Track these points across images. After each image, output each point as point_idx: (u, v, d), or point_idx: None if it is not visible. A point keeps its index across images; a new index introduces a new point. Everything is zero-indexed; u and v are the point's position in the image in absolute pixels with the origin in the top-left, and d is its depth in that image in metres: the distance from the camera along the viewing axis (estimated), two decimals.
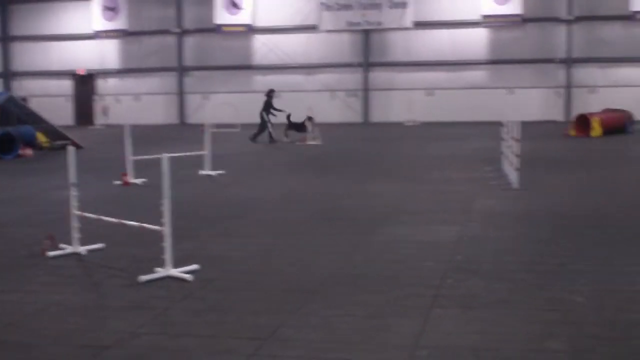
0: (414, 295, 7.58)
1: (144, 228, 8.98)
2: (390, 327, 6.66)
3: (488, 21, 40.14)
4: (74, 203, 9.86)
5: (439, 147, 25.40)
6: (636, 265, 8.63)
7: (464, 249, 9.64)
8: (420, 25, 40.91)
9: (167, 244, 8.46)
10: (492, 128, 27.24)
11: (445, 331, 6.54)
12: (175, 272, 8.42)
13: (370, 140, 29.52)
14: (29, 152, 24.69)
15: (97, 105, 45.37)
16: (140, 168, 16.82)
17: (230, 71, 43.45)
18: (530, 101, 39.69)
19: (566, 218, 11.80)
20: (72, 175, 9.89)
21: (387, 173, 18.12)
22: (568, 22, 39.64)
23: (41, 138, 26.64)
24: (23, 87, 46.64)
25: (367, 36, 42.01)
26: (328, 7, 41.41)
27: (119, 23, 44.41)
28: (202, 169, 18.34)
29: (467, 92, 40.23)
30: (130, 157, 16.93)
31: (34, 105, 33.50)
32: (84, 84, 46.23)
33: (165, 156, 8.53)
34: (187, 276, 8.31)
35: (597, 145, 25.04)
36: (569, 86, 40.03)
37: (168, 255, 8.46)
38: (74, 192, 9.88)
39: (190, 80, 44.42)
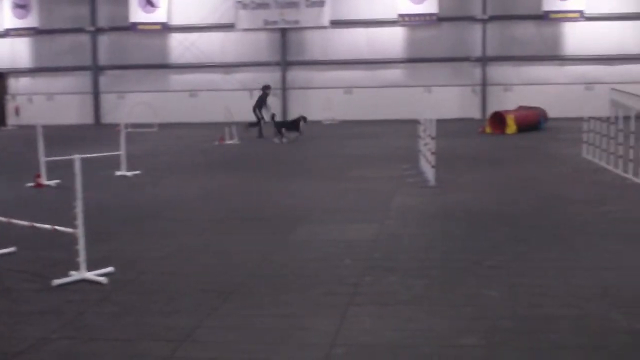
0: (332, 294, 7.59)
1: (56, 230, 8.81)
2: (308, 326, 6.66)
3: (404, 20, 40.48)
4: None
5: (357, 145, 25.52)
6: (549, 260, 8.81)
7: (381, 247, 9.71)
8: (338, 24, 41.01)
9: (81, 246, 8.31)
10: (410, 126, 27.49)
11: (362, 329, 6.57)
12: (90, 275, 8.28)
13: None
14: None
15: (9, 106, 44.31)
16: (54, 169, 16.48)
17: (146, 70, 42.88)
18: (447, 99, 40.15)
19: (482, 215, 11.97)
20: None
21: (306, 172, 18.12)
22: (483, 21, 40.22)
23: None
24: None
25: (284, 35, 41.94)
26: (244, 6, 41.20)
27: (30, 21, 43.34)
28: (118, 169, 18.07)
29: (385, 90, 40.47)
30: (43, 159, 16.57)
31: None
32: None
33: (77, 157, 8.37)
34: (102, 279, 8.18)
35: (512, 142, 25.47)
36: (484, 84, 40.63)
37: (82, 258, 8.31)
38: None
39: (105, 80, 43.71)
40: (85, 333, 6.66)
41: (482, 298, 7.34)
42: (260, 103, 31.05)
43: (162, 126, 36.02)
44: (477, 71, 40.72)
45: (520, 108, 32.88)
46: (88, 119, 43.61)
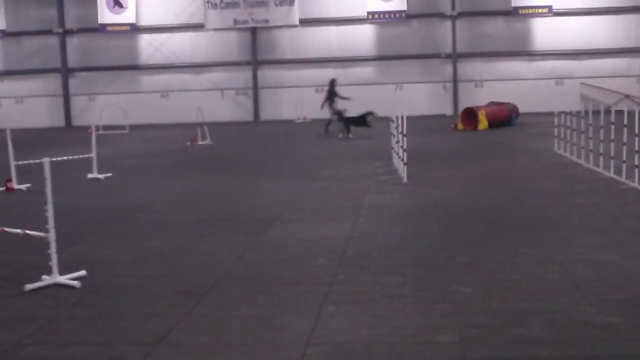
0: (306, 293, 7.60)
1: (28, 235, 8.74)
2: (282, 327, 6.66)
3: (374, 17, 40.54)
4: None
5: (329, 143, 25.55)
6: (521, 255, 8.87)
7: (355, 245, 9.73)
8: (308, 22, 41.04)
9: (53, 250, 8.25)
10: (382, 123, 27.55)
11: (336, 328, 6.58)
12: (63, 279, 8.23)
13: (261, 138, 29.46)
14: None
15: None
16: (25, 173, 16.36)
17: (116, 71, 42.65)
18: (419, 96, 40.28)
19: (455, 211, 12.03)
20: None
21: (279, 171, 18.11)
22: (452, 17, 40.40)
23: None
24: None
25: (254, 34, 41.88)
26: (214, 5, 41.10)
27: None
28: (90, 172, 17.95)
29: (356, 88, 40.40)
30: (13, 163, 16.44)
31: None
32: None
33: (47, 160, 8.32)
34: (74, 283, 8.13)
35: (484, 138, 25.60)
36: (455, 80, 40.81)
37: (54, 262, 8.25)
38: None
39: (75, 82, 43.42)
40: (59, 338, 6.61)
41: (455, 294, 7.38)
42: (332, 97, 30.85)
43: (134, 128, 35.85)
44: (447, 67, 40.90)
45: (492, 104, 33.07)
46: (59, 121, 43.33)
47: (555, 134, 19.76)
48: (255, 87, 42.04)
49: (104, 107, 37.38)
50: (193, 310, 7.20)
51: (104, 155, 19.26)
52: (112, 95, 41.41)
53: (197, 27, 41.72)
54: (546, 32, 40.04)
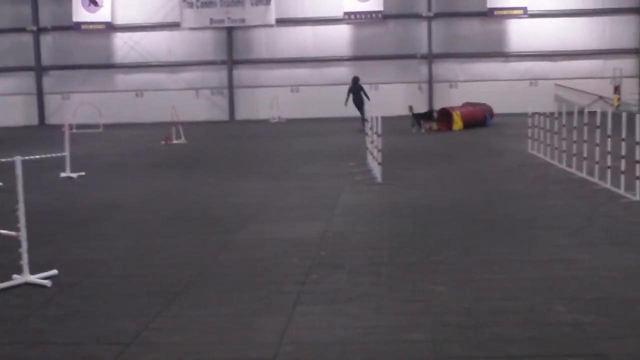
0: (279, 293, 7.59)
1: None
2: (256, 325, 6.64)
3: (350, 18, 40.58)
4: None
5: (304, 143, 25.53)
6: (495, 254, 8.91)
7: (328, 245, 9.72)
8: (284, 22, 41.02)
9: (24, 249, 8.19)
10: (357, 124, 27.62)
11: (310, 327, 6.57)
12: (34, 278, 8.16)
13: (236, 138, 29.41)
14: None
15: None
16: None
17: (90, 70, 42.39)
18: (394, 96, 40.34)
19: (429, 211, 12.06)
20: None
21: (253, 171, 18.07)
22: (428, 18, 40.52)
23: None
24: None
25: (230, 34, 41.79)
26: (190, 5, 40.98)
27: None
28: (63, 171, 17.83)
29: (332, 88, 40.48)
30: None
31: None
32: None
33: (18, 159, 8.26)
34: (46, 282, 8.07)
35: (459, 138, 25.70)
36: (430, 81, 40.93)
37: (25, 261, 8.18)
38: None
39: (49, 80, 43.12)
40: (30, 337, 6.56)
41: (429, 293, 7.39)
42: (361, 94, 31.51)
43: (108, 127, 35.68)
44: (423, 68, 41.03)
45: (466, 104, 33.17)
46: (32, 120, 43.01)
47: (530, 134, 19.86)
48: (231, 86, 41.96)
49: (78, 105, 37.15)
50: (166, 310, 7.16)
51: (78, 154, 19.15)
52: (87, 94, 41.17)
53: (173, 26, 41.59)
54: (521, 34, 40.29)
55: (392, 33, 41.09)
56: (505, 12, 40.01)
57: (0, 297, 7.72)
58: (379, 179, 15.34)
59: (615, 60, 39.44)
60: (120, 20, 42.10)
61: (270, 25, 41.01)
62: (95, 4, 41.61)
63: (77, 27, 41.81)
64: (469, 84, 40.33)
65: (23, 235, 8.18)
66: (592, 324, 6.38)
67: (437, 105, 36.26)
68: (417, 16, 40.67)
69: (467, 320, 6.57)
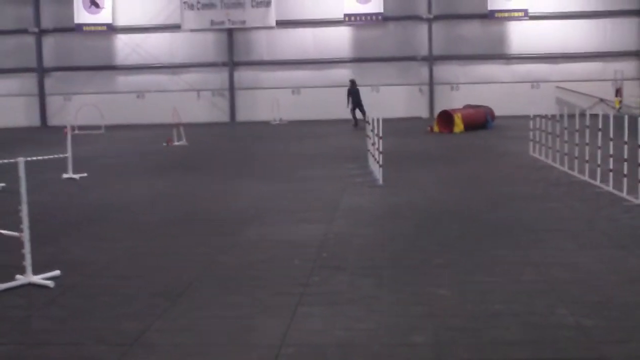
0: (281, 294, 7.59)
1: (2, 234, 8.68)
2: (257, 327, 6.65)
3: (350, 20, 40.60)
4: None
5: (305, 145, 25.54)
6: (497, 257, 8.90)
7: (330, 247, 9.72)
8: (284, 24, 41.04)
9: (27, 250, 8.20)
10: (358, 125, 27.62)
11: (311, 329, 6.58)
12: (37, 278, 8.17)
13: (237, 139, 29.44)
14: None
15: None
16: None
17: (92, 72, 42.47)
18: (395, 98, 40.38)
19: (430, 213, 12.06)
20: None
21: (254, 173, 18.07)
22: (428, 20, 40.53)
23: None
24: None
25: (231, 35, 41.82)
26: (190, 6, 41.01)
27: None
28: (65, 172, 17.85)
29: (332, 90, 40.54)
30: None
31: None
32: None
33: (21, 160, 8.27)
34: (48, 282, 8.08)
35: (460, 140, 25.69)
36: (431, 83, 40.93)
37: (28, 262, 8.20)
38: None
39: (50, 81, 43.17)
40: (32, 338, 6.58)
41: (431, 296, 7.39)
42: (359, 95, 33.70)
43: (109, 128, 35.71)
44: (424, 70, 41.02)
45: (468, 107, 33.17)
46: (34, 121, 43.09)
47: (531, 137, 19.85)
48: (232, 88, 41.99)
49: (80, 107, 37.18)
50: (167, 311, 7.16)
51: (80, 155, 19.16)
52: (88, 95, 41.23)
53: (174, 27, 41.62)
54: (522, 36, 40.31)
55: (393, 35, 41.11)
56: (506, 14, 40.03)
57: (4, 298, 7.73)
58: (380, 181, 15.34)
59: (616, 63, 39.45)
60: (121, 22, 42.15)
61: (271, 27, 41.04)
62: (97, 5, 41.66)
63: (78, 28, 41.86)
64: (470, 86, 40.35)
65: (26, 236, 8.19)
66: (594, 328, 6.38)
67: (439, 108, 36.23)
68: (418, 18, 40.67)
69: (469, 323, 6.57)
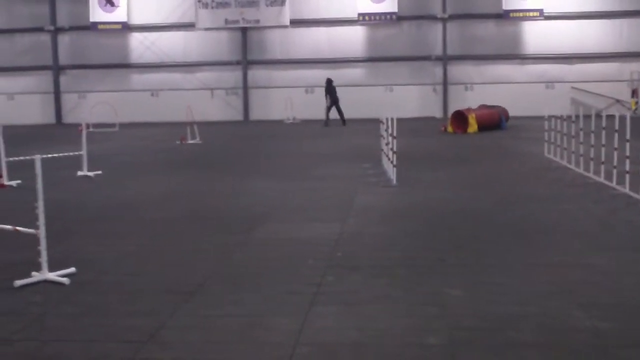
0: (294, 293, 7.58)
1: (18, 231, 8.71)
2: (270, 326, 6.64)
3: (364, 19, 40.58)
4: None
5: (319, 144, 25.53)
6: (511, 258, 8.87)
7: (343, 246, 9.71)
8: (298, 23, 41.08)
9: (43, 247, 8.23)
10: (371, 125, 27.60)
11: (325, 328, 6.57)
12: (52, 275, 8.20)
13: (250, 138, 29.46)
14: None
15: None
16: (16, 170, 16.33)
17: (107, 69, 42.65)
18: (409, 98, 40.37)
19: (444, 213, 12.03)
20: None
21: (267, 171, 18.09)
22: (443, 20, 40.47)
23: None
24: None
25: (245, 34, 41.88)
26: (205, 5, 41.12)
27: None
28: (80, 169, 17.92)
29: (346, 89, 40.50)
30: (4, 159, 16.41)
31: None
32: None
33: (38, 157, 8.30)
34: (63, 279, 8.11)
35: (474, 141, 25.64)
36: (445, 83, 40.88)
37: (44, 259, 8.23)
38: None
39: (66, 79, 43.35)
40: (47, 334, 6.60)
41: (444, 297, 7.37)
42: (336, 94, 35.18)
43: (124, 126, 35.80)
44: (438, 70, 40.97)
45: (482, 107, 33.09)
46: (50, 118, 43.31)
47: (546, 138, 19.78)
48: (245, 87, 42.04)
49: (95, 104, 37.33)
50: (180, 308, 7.17)
51: (94, 152, 19.22)
52: (103, 93, 41.43)
53: (188, 26, 41.74)
54: (537, 36, 40.19)
55: (407, 34, 41.08)
56: (521, 14, 39.94)
57: (20, 294, 7.76)
58: (394, 181, 15.32)
59: (633, 63, 39.29)
60: (136, 21, 42.28)
61: (285, 26, 41.09)
62: (112, 4, 41.81)
63: (93, 27, 42.03)
64: (484, 86, 40.27)
65: (42, 233, 8.22)
66: (610, 331, 6.34)
67: (453, 108, 36.17)
68: (432, 17, 40.63)
69: (482, 324, 6.55)
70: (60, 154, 14.69)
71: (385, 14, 40.25)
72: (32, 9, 43.07)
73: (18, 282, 8.01)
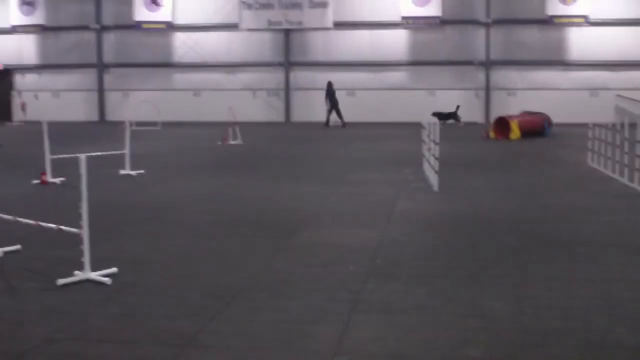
0: (335, 300, 7.57)
1: (61, 230, 8.79)
2: (311, 333, 6.63)
3: (408, 23, 40.46)
4: None
5: (360, 147, 25.50)
6: (554, 270, 8.77)
7: (384, 253, 9.68)
8: (341, 25, 41.04)
9: (86, 246, 8.30)
10: (413, 129, 27.48)
11: (365, 337, 6.55)
12: (94, 275, 8.27)
13: (291, 140, 29.52)
14: None
15: (15, 102, 44.34)
16: (59, 166, 16.49)
17: (150, 68, 42.96)
18: (451, 102, 40.07)
19: (485, 221, 11.94)
20: None
21: (309, 174, 18.09)
22: (486, 24, 40.22)
23: None
24: None
25: (288, 35, 41.95)
26: (249, 6, 41.26)
27: (37, 18, 43.54)
28: (123, 168, 18.06)
29: (388, 92, 40.50)
30: (48, 156, 16.59)
31: None
32: (1, 80, 45.08)
33: (82, 157, 8.36)
34: (105, 280, 8.18)
35: (516, 147, 25.46)
36: (488, 88, 40.62)
37: (87, 258, 8.30)
38: None
39: (110, 77, 43.75)
40: (88, 334, 6.66)
41: (486, 309, 7.30)
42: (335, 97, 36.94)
43: (166, 125, 36.01)
44: (480, 75, 40.72)
45: (524, 113, 32.83)
46: (93, 116, 43.75)
47: (589, 146, 19.55)
48: (287, 88, 42.10)
49: (137, 103, 37.62)
50: (221, 313, 7.19)
51: (137, 151, 19.34)
52: (146, 91, 41.75)
53: (231, 27, 41.88)
54: (582, 42, 39.75)
55: (450, 39, 40.88)
56: (565, 20, 39.53)
57: (63, 293, 7.84)
58: (436, 188, 15.24)
59: None
60: (180, 20, 42.54)
61: (328, 28, 41.09)
62: (157, 3, 42.13)
63: (138, 25, 42.38)
64: (527, 92, 39.94)
65: (85, 232, 8.29)
66: None
67: (495, 114, 35.94)
68: (476, 22, 40.39)
69: (525, 338, 6.48)
70: (104, 153, 14.84)
71: (428, 17, 40.09)
72: (78, 7, 43.56)
73: (61, 281, 8.09)
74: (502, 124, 29.46)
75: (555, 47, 40.15)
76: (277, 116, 42.27)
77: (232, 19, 41.82)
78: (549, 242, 10.40)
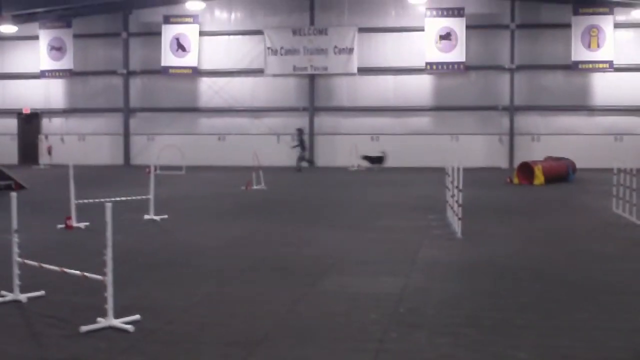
0: (357, 350, 7.54)
1: (86, 277, 8.84)
2: None
3: (432, 68, 40.59)
4: (15, 250, 9.69)
5: (383, 193, 25.48)
6: (579, 320, 8.69)
7: (407, 301, 9.64)
8: (366, 71, 41.29)
9: (109, 293, 8.33)
10: (437, 174, 27.52)
11: None
12: (117, 322, 8.30)
13: (315, 185, 29.56)
14: None
15: (42, 145, 44.79)
16: (84, 210, 16.61)
17: (175, 113, 43.33)
18: (474, 148, 40.14)
19: (510, 269, 11.87)
20: (14, 221, 9.71)
21: (331, 220, 18.08)
22: (510, 70, 40.30)
23: None
24: None
25: (313, 81, 42.21)
26: (274, 52, 41.67)
27: (65, 63, 44.11)
28: (147, 213, 18.14)
29: (412, 137, 40.54)
30: (74, 201, 16.69)
31: None
32: (29, 123, 45.63)
33: (108, 204, 8.43)
34: (128, 327, 8.20)
35: (540, 193, 25.36)
36: (512, 133, 40.57)
37: (110, 305, 8.33)
38: (15, 239, 9.71)
39: (135, 121, 44.13)
40: None
41: (510, 359, 7.25)
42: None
43: (190, 169, 36.21)
44: (504, 120, 40.70)
45: (548, 158, 32.73)
46: (118, 159, 44.05)
47: (614, 192, 19.45)
48: (312, 133, 42.25)
49: (163, 147, 37.89)
50: None
51: (161, 195, 19.43)
52: (171, 135, 42.07)
53: (257, 72, 42.22)
54: (606, 87, 39.72)
55: (474, 84, 40.97)
56: (590, 66, 39.51)
57: (86, 340, 7.87)
58: (459, 234, 15.20)
59: None
60: (206, 66, 42.95)
61: (353, 74, 41.33)
62: (184, 49, 42.57)
63: (165, 71, 42.82)
64: (551, 137, 39.89)
65: (109, 279, 8.33)
66: None
67: (519, 159, 35.82)
68: (500, 68, 40.47)
69: None
70: (128, 198, 14.92)
71: (453, 63, 40.23)
72: (107, 53, 44.18)
73: (84, 328, 8.12)
74: (526, 170, 29.39)
75: (580, 92, 40.13)
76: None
77: (257, 64, 42.19)
78: (575, 290, 10.33)
